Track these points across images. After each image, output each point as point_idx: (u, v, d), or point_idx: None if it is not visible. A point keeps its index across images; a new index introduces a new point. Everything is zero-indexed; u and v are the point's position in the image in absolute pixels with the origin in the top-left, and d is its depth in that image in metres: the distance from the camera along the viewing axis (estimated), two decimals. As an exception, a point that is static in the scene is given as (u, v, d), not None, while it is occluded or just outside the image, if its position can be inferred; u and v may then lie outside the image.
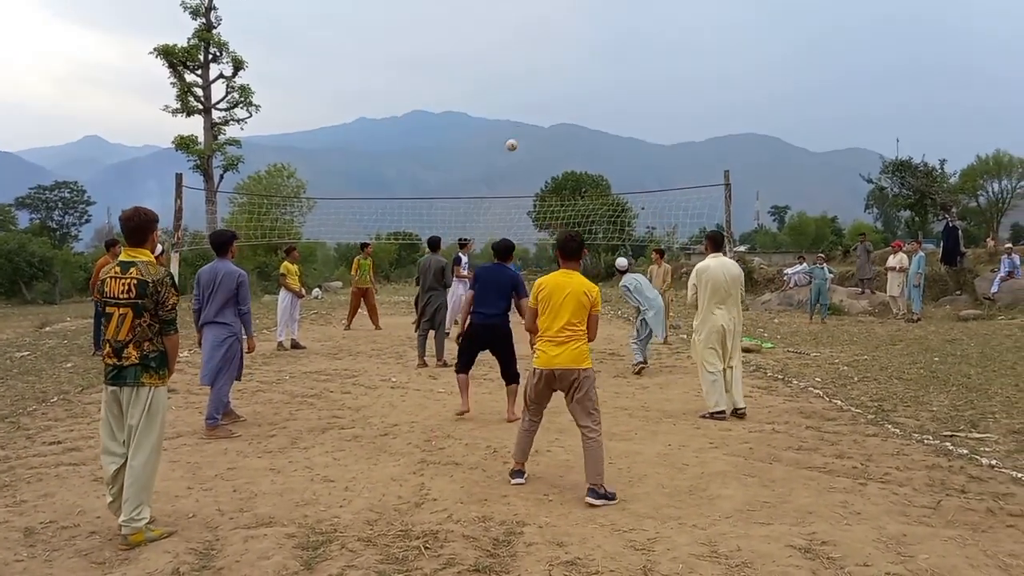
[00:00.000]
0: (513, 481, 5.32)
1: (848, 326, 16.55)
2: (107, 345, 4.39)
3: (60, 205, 67.37)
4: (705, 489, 5.21)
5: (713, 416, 7.34)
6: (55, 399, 8.49)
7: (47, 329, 16.68)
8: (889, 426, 6.92)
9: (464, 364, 7.69)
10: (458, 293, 13.00)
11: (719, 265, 7.45)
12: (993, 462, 5.68)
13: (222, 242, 7.34)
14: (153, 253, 4.59)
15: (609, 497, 4.97)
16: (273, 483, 5.38)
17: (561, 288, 5.22)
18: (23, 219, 63.28)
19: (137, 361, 4.32)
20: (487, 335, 7.57)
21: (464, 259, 14.34)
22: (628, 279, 10.53)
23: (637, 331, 10.42)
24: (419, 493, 5.14)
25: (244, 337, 7.28)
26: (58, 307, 32.02)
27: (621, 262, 10.92)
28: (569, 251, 5.38)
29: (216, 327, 7.03)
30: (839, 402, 8.05)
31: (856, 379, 9.46)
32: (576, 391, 5.16)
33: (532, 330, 5.43)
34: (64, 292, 44.10)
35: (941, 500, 4.89)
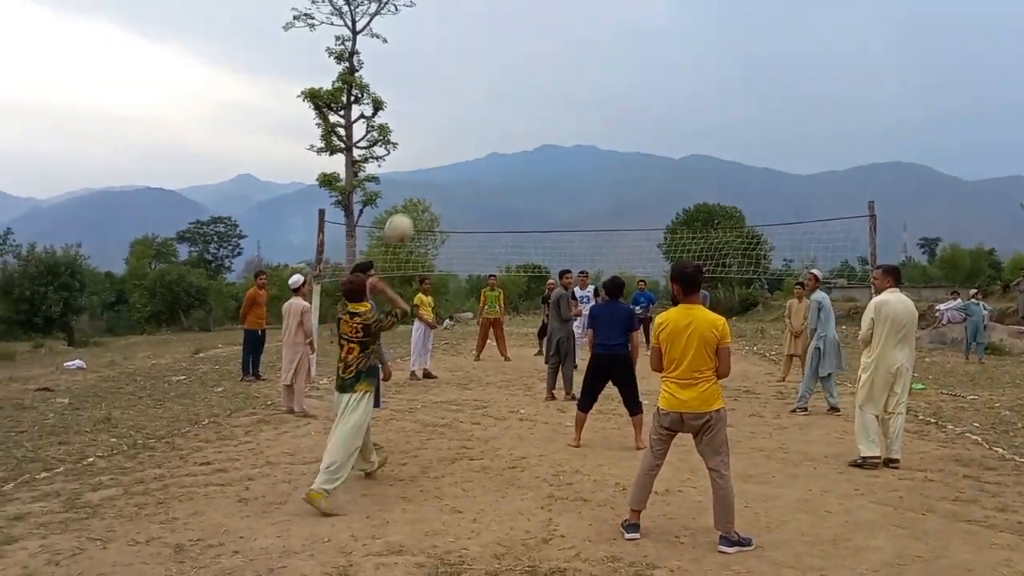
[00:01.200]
0: (628, 536, 4.91)
1: (1009, 367, 15.30)
2: (340, 365, 6.01)
3: (215, 239, 72.22)
4: (850, 539, 4.90)
5: (866, 462, 6.88)
6: (206, 422, 9.01)
7: (201, 355, 17.82)
8: (1060, 479, 6.31)
9: (587, 403, 7.82)
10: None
11: (898, 301, 6.91)
12: None
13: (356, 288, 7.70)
14: (365, 302, 6.15)
15: (744, 544, 4.74)
16: (404, 511, 5.47)
17: (684, 325, 4.91)
18: (183, 252, 68.30)
19: (356, 373, 5.94)
20: (610, 364, 7.74)
21: (580, 293, 14.08)
22: (822, 295, 10.02)
23: (811, 367, 9.88)
24: (547, 529, 5.09)
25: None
26: (211, 334, 34.23)
27: (818, 272, 10.51)
28: (689, 283, 5.00)
29: None
30: (1001, 450, 7.41)
31: (1020, 425, 8.69)
32: (706, 433, 4.90)
33: (658, 370, 5.16)
34: (217, 320, 47.12)
35: (1124, 565, 4.39)
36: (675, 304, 5.17)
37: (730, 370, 5.05)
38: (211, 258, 70.29)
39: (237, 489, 6.02)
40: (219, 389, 11.72)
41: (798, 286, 13.32)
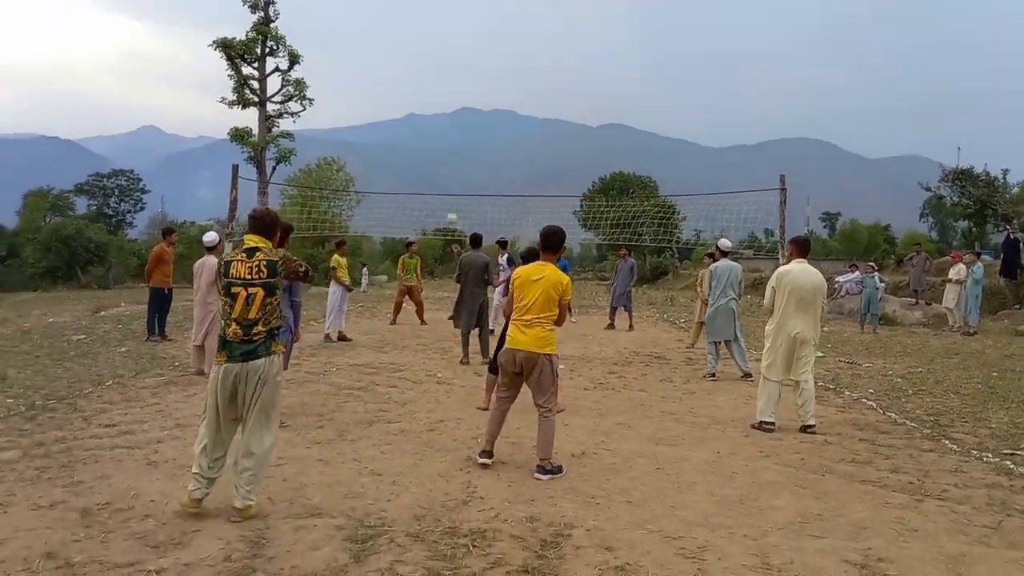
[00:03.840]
0: (479, 460, 5.67)
1: (901, 337, 16.17)
2: (232, 324, 4.55)
3: (116, 193, 69.14)
4: (756, 499, 5.12)
5: (762, 426, 7.19)
6: (110, 382, 8.69)
7: (102, 314, 17.12)
8: (946, 442, 6.74)
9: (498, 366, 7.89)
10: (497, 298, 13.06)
11: (802, 271, 7.14)
12: (1058, 484, 5.49)
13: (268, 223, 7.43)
14: (271, 241, 4.87)
15: (555, 472, 5.50)
16: (322, 474, 5.43)
17: (536, 279, 5.59)
18: (81, 205, 65.13)
19: (266, 335, 4.59)
20: None
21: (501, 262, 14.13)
22: (715, 265, 10.36)
23: (708, 334, 10.33)
24: (466, 491, 5.13)
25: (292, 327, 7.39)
26: (112, 292, 32.89)
27: (724, 243, 10.80)
28: (548, 244, 5.74)
29: None
30: (893, 415, 7.85)
31: (911, 392, 9.22)
32: (536, 372, 5.56)
33: (508, 314, 5.84)
34: (117, 277, 45.26)
35: (1002, 520, 4.74)
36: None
37: (564, 320, 5.82)
38: (112, 213, 67.36)
39: (146, 452, 5.84)
40: (123, 349, 11.30)
41: (708, 256, 13.69)
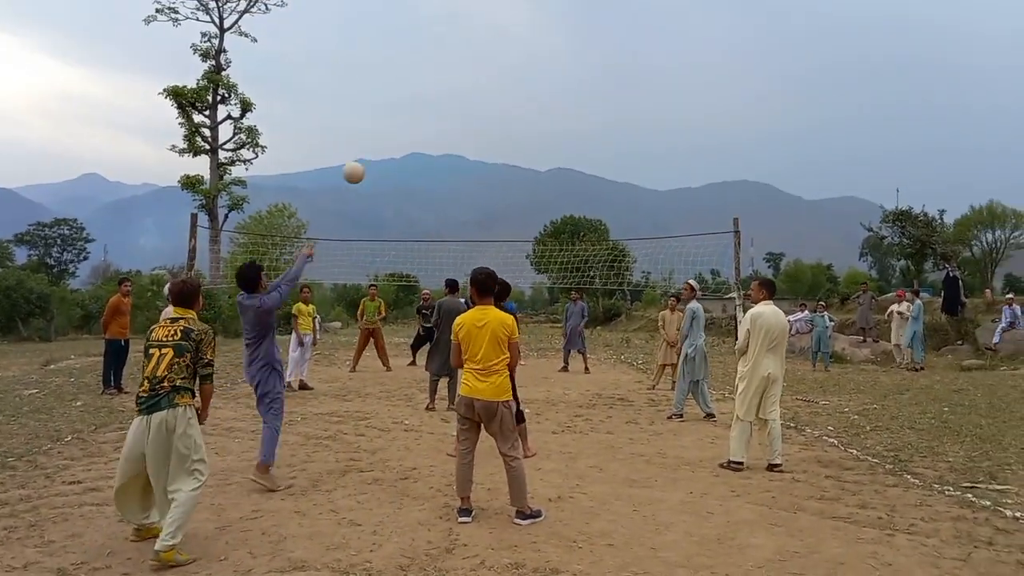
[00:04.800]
0: (460, 519, 5.49)
1: (852, 374, 16.59)
2: (144, 381, 4.86)
3: (59, 242, 67.55)
4: (733, 538, 5.21)
5: (731, 465, 7.31)
6: (69, 438, 8.46)
7: (52, 367, 16.63)
8: (908, 476, 6.94)
9: None
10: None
11: (772, 313, 7.36)
12: (1018, 514, 5.71)
13: (247, 280, 7.38)
14: (194, 309, 5.19)
15: (535, 516, 5.50)
16: (301, 526, 5.37)
17: (480, 325, 5.56)
18: (21, 255, 63.33)
19: (170, 389, 4.79)
20: None
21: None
22: (696, 305, 10.69)
23: (683, 374, 10.56)
24: (448, 538, 5.13)
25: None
26: (55, 344, 31.90)
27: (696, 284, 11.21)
28: (481, 288, 5.69)
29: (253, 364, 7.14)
30: (855, 451, 8.06)
31: (868, 428, 9.48)
32: (496, 421, 5.56)
33: (458, 365, 5.79)
34: (59, 329, 43.92)
35: (971, 552, 4.91)
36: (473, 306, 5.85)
37: (518, 360, 5.82)
38: (53, 263, 65.62)
39: (115, 509, 5.70)
40: (78, 403, 11.01)
41: (672, 298, 13.93)
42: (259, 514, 5.63)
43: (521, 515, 5.48)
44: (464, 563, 4.67)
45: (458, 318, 5.77)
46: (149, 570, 4.46)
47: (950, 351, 20.38)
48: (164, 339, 4.90)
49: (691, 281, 11.17)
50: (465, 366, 5.67)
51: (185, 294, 5.17)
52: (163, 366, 4.81)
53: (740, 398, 7.43)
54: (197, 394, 5.00)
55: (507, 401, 5.59)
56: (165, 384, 4.78)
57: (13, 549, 4.79)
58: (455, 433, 7.94)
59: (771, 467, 7.25)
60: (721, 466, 7.37)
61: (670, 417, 10.27)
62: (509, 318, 5.64)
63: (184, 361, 4.86)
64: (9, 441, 8.23)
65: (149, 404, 4.76)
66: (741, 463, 7.28)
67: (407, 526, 5.39)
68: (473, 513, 5.59)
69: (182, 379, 4.84)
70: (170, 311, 5.24)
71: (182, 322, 4.99)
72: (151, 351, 4.90)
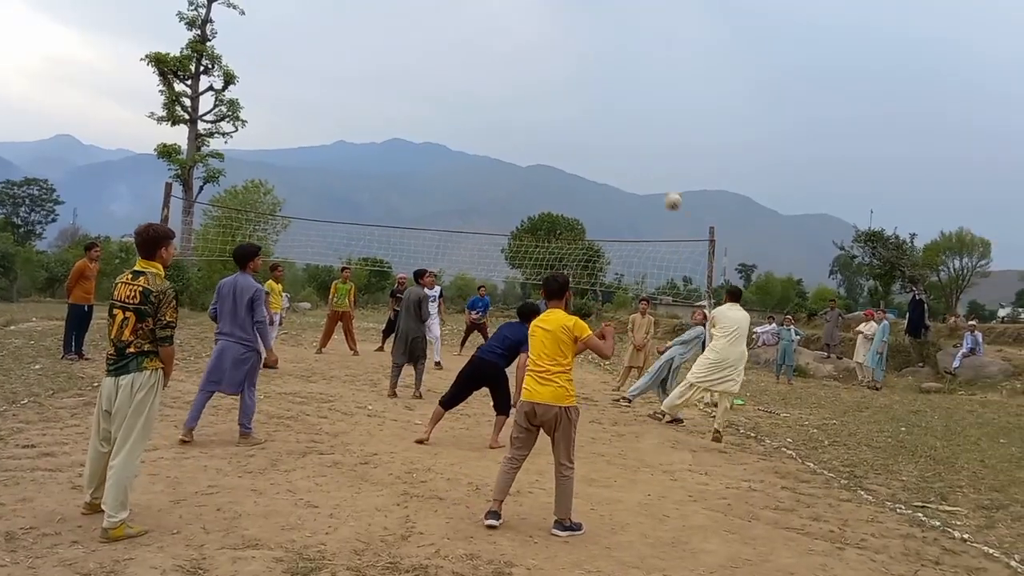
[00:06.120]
0: (487, 522, 5.23)
1: (814, 389, 16.81)
2: (110, 344, 4.76)
3: (27, 202, 66.25)
4: (687, 542, 5.26)
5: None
6: (25, 401, 8.30)
7: (12, 328, 16.32)
8: (862, 492, 7.06)
9: (451, 402, 8.02)
10: (435, 332, 13.56)
11: (729, 309, 9.64)
12: (966, 536, 5.82)
13: (243, 256, 7.38)
14: (165, 266, 4.89)
15: (575, 529, 5.27)
16: (256, 504, 5.32)
17: (543, 326, 5.52)
18: (-12, 213, 62.13)
19: (137, 352, 4.68)
20: (484, 369, 7.97)
21: (432, 294, 14.03)
22: (700, 330, 11.44)
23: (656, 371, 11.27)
24: (405, 526, 5.12)
25: (260, 348, 7.40)
26: (16, 305, 31.32)
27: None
28: (550, 290, 5.67)
29: (235, 343, 7.16)
30: (812, 464, 8.18)
31: (827, 443, 9.61)
32: (558, 429, 5.35)
33: (522, 366, 5.81)
34: (22, 290, 43.17)
35: (918, 571, 5.00)
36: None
37: (607, 353, 5.57)
38: (20, 223, 64.35)
39: (69, 475, 5.61)
40: (37, 367, 10.81)
41: (643, 302, 14.04)
42: (215, 490, 5.58)
43: (561, 525, 5.25)
44: (419, 551, 4.66)
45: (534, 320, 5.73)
46: (98, 540, 4.39)
47: (911, 372, 20.71)
48: (126, 300, 4.69)
49: (704, 309, 11.71)
50: (528, 367, 5.56)
51: (148, 241, 4.80)
52: (128, 330, 4.67)
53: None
54: None
55: (570, 407, 5.36)
56: (132, 348, 4.66)
57: (-40, 510, 4.70)
58: (424, 421, 7.97)
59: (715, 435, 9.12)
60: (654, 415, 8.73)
61: (623, 399, 11.29)
62: (569, 318, 5.48)
63: (147, 326, 4.69)
64: (-38, 401, 8.07)
65: (118, 367, 4.67)
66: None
67: (364, 511, 5.37)
68: (502, 519, 5.30)
69: (149, 344, 4.70)
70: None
71: (142, 280, 4.71)
72: (115, 311, 4.73)
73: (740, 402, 12.86)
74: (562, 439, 5.37)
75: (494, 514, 5.31)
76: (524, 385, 5.53)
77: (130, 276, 4.78)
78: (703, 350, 10.74)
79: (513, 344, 7.94)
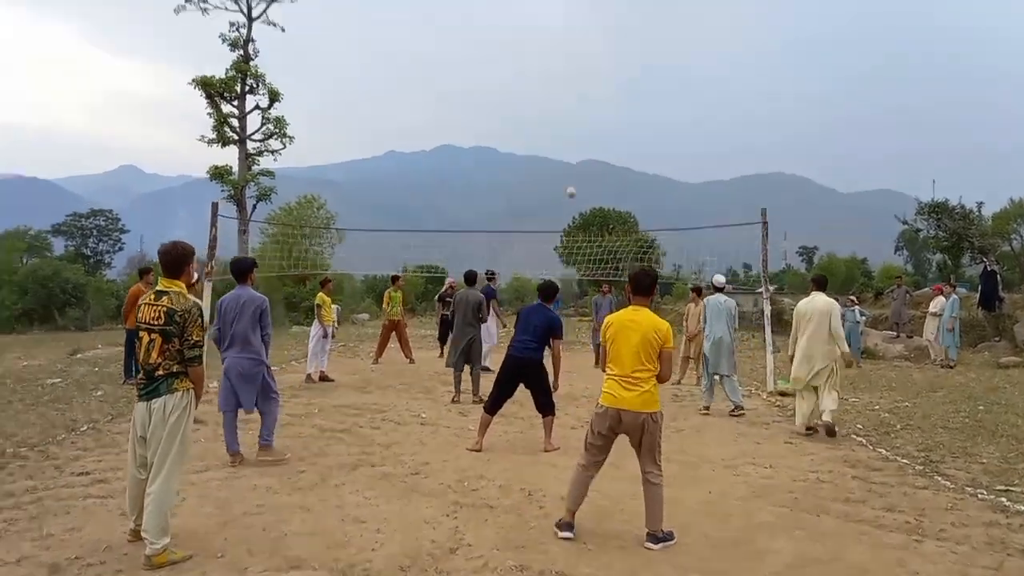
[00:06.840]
0: (561, 535, 4.99)
1: (884, 371, 16.16)
2: (142, 369, 4.67)
3: (95, 233, 68.44)
4: (752, 542, 4.99)
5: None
6: (84, 428, 8.44)
7: (79, 356, 16.78)
8: (939, 478, 6.65)
9: (493, 404, 7.78)
10: (491, 330, 13.26)
11: (807, 301, 9.03)
12: (1055, 521, 5.41)
13: (242, 270, 7.31)
14: (190, 283, 4.81)
15: (667, 539, 4.94)
16: (304, 522, 5.24)
17: (629, 327, 5.07)
18: (58, 246, 64.32)
19: (166, 375, 4.59)
20: (518, 366, 7.74)
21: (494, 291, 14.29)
22: (717, 299, 10.65)
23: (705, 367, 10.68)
24: (453, 537, 4.97)
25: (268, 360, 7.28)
26: (89, 334, 32.34)
27: (719, 279, 11.00)
28: (641, 286, 5.21)
29: (244, 359, 6.98)
30: (884, 451, 7.77)
31: (899, 427, 9.15)
32: (644, 435, 5.01)
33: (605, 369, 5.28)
34: (95, 319, 44.60)
35: (1004, 561, 4.64)
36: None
37: (671, 375, 5.23)
38: (90, 253, 66.53)
39: (119, 502, 5.60)
40: (99, 393, 11.02)
41: (694, 291, 13.67)
42: (263, 509, 5.52)
43: (653, 538, 4.91)
44: (467, 564, 4.50)
45: (608, 316, 5.29)
46: (142, 568, 4.34)
47: (987, 348, 19.78)
48: (151, 321, 4.58)
49: (715, 278, 11.01)
50: (607, 372, 5.18)
51: (176, 259, 4.71)
52: (155, 353, 4.57)
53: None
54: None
55: (655, 413, 5.02)
56: (161, 371, 4.57)
57: (10, 542, 4.71)
58: (475, 427, 7.80)
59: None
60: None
61: (700, 410, 10.39)
62: (663, 323, 5.09)
63: (174, 346, 4.58)
64: (25, 431, 8.22)
65: (148, 390, 4.59)
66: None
67: (412, 524, 5.24)
68: (575, 530, 5.05)
69: (178, 364, 4.60)
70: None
71: (165, 300, 4.60)
72: (141, 333, 4.64)
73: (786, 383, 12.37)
74: (648, 445, 5.03)
75: (567, 525, 5.05)
76: (604, 388, 5.15)
77: (153, 296, 4.66)
78: (710, 318, 10.57)
79: (543, 331, 7.73)
